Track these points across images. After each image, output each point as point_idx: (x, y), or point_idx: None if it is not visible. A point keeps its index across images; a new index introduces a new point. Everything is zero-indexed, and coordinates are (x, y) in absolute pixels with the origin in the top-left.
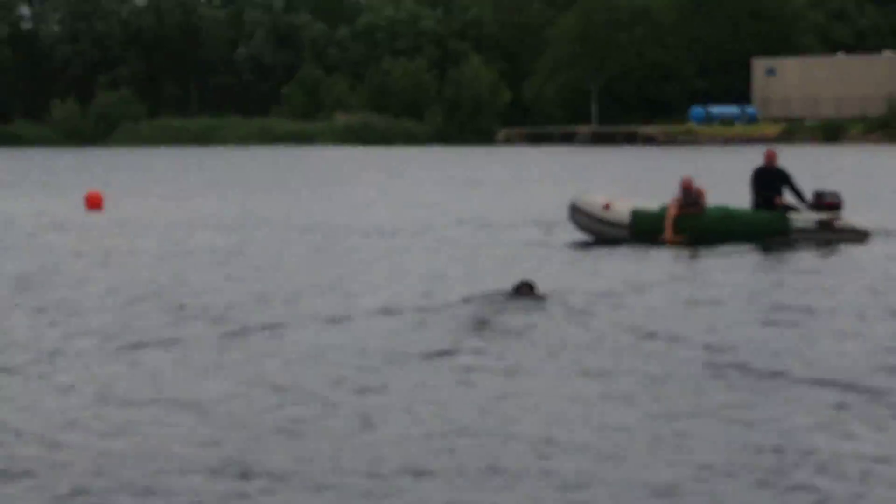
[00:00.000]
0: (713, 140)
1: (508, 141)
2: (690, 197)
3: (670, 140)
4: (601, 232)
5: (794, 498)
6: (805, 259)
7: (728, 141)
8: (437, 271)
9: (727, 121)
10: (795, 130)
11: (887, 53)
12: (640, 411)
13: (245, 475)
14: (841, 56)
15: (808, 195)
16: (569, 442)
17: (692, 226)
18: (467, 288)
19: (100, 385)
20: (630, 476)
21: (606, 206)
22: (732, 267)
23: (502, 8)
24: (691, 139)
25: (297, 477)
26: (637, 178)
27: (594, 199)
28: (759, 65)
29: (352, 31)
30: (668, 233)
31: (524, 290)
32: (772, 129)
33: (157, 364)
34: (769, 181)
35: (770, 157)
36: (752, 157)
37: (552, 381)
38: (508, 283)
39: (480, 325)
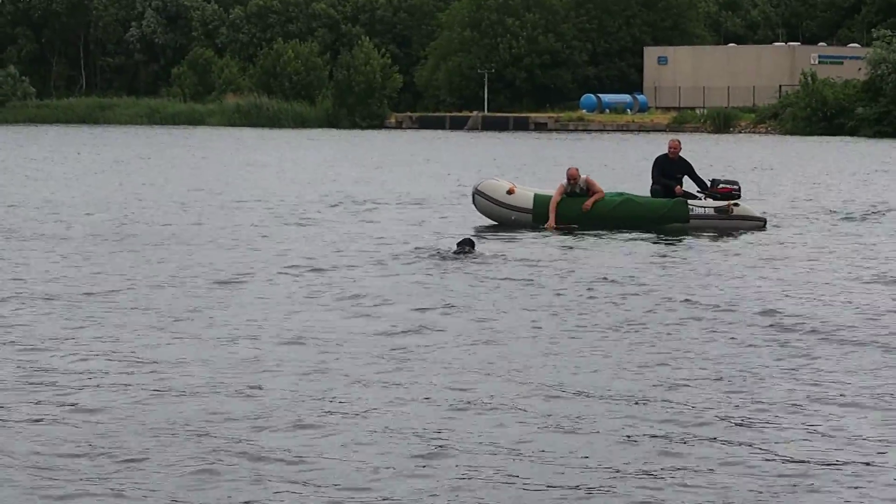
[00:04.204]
0: (604, 128)
1: (399, 125)
2: (576, 186)
3: (562, 127)
4: (504, 216)
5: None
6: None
7: (619, 129)
8: (382, 236)
9: (618, 109)
10: (686, 120)
11: (778, 44)
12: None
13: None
14: (732, 46)
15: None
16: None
17: (595, 210)
18: (408, 248)
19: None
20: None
21: (510, 191)
22: (632, 247)
23: None
24: (582, 126)
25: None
26: (526, 164)
27: (498, 184)
28: (651, 53)
29: (245, 12)
30: (550, 219)
31: (467, 247)
32: (662, 118)
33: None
34: (671, 171)
35: (673, 147)
36: (643, 145)
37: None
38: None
39: (442, 272)
